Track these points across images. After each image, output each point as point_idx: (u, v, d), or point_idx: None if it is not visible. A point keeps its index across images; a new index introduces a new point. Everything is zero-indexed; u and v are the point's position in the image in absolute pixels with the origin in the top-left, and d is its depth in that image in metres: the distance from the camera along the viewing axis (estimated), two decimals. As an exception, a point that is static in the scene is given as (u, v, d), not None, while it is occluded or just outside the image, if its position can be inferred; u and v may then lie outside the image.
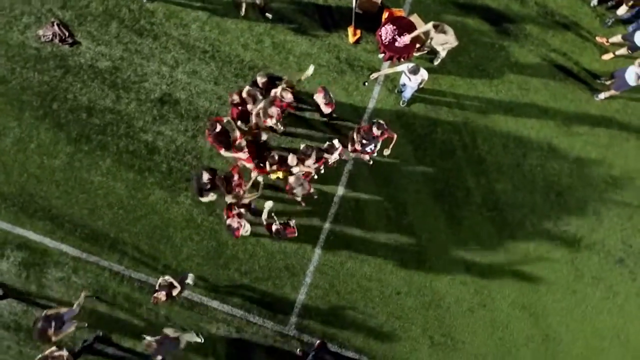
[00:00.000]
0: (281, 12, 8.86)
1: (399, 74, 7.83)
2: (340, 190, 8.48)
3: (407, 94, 8.26)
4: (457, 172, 8.57)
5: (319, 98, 7.58)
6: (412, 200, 8.50)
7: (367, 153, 7.92)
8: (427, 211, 8.48)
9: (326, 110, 7.78)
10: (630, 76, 7.82)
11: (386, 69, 7.92)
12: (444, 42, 7.72)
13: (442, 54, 8.09)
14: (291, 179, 7.50)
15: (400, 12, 8.40)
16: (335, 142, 7.58)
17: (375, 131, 7.42)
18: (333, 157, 7.65)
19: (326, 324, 8.29)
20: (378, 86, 8.72)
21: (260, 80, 7.56)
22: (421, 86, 7.79)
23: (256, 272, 8.33)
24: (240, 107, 7.56)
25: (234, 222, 7.40)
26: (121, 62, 8.67)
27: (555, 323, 8.33)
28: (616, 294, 8.40)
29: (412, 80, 7.54)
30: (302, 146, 7.55)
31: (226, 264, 8.32)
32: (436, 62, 8.62)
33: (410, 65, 7.43)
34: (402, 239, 8.43)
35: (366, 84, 8.52)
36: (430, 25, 7.61)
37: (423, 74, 7.53)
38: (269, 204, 7.43)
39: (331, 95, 7.59)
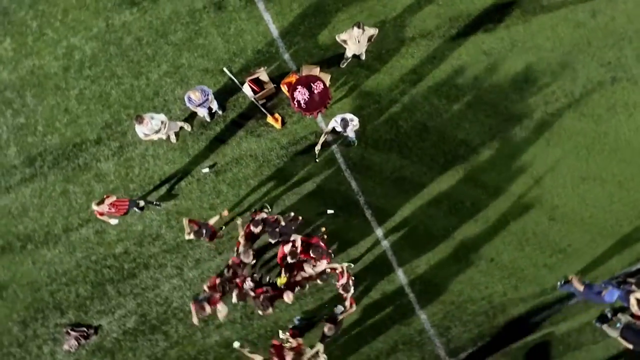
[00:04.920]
0: (213, 161, 9.02)
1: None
2: (395, 265, 8.80)
3: (352, 137, 8.47)
4: (443, 138, 8.78)
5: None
6: (435, 189, 8.74)
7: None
8: (450, 187, 8.73)
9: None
10: None
11: (323, 136, 7.95)
12: (370, 36, 7.92)
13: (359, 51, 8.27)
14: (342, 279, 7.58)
15: (294, 76, 8.54)
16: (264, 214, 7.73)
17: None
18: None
19: (473, 335, 8.67)
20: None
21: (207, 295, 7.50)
22: (357, 127, 7.89)
23: None
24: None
25: None
26: (142, 308, 8.83)
27: (618, 171, 8.65)
28: (635, 104, 8.69)
29: (348, 129, 7.66)
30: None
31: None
32: (343, 65, 8.76)
33: (339, 119, 7.62)
34: (459, 225, 8.78)
35: (317, 159, 8.67)
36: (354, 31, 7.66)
37: (352, 119, 7.65)
38: None
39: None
